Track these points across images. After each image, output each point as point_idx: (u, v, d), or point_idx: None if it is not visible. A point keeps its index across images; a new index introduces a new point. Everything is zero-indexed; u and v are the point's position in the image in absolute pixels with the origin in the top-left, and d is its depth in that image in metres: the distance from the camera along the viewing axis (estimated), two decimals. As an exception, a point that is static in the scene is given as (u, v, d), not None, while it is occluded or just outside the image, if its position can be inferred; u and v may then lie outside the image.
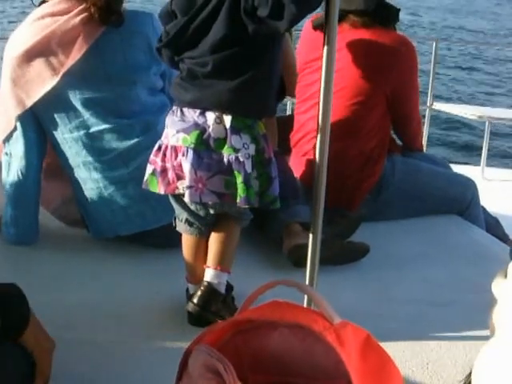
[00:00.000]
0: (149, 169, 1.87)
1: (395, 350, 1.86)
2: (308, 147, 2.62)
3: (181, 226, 1.95)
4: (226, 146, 1.76)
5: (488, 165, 4.73)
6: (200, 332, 1.28)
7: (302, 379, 1.25)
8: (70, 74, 2.21)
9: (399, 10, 2.71)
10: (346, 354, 1.12)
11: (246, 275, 1.97)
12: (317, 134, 1.68)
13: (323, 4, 1.64)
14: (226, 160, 1.76)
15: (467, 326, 2.02)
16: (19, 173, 2.32)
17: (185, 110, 1.80)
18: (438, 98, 5.50)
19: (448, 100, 8.99)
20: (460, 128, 9.15)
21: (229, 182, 1.78)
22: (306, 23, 2.74)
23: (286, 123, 2.77)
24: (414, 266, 2.43)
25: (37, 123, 2.32)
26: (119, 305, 2.03)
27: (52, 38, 2.21)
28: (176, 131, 1.80)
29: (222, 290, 1.91)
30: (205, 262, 1.94)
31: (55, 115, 2.28)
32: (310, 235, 1.74)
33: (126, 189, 2.29)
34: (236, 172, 1.76)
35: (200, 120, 1.77)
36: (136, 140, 2.27)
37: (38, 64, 2.22)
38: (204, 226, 1.93)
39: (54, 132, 2.31)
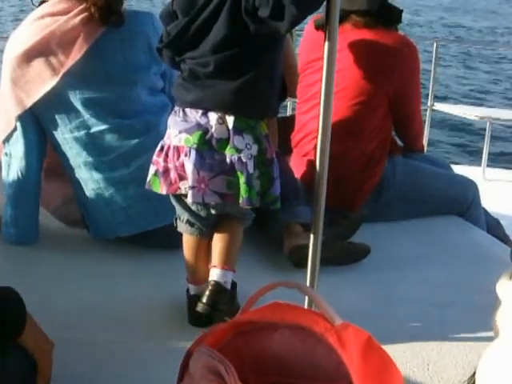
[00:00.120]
0: (151, 169, 1.87)
1: (396, 350, 1.86)
2: (309, 147, 2.62)
3: (182, 227, 1.95)
4: (229, 147, 1.75)
5: (489, 166, 4.73)
6: (201, 333, 1.28)
7: (303, 380, 1.24)
8: (70, 74, 2.21)
9: (402, 10, 2.70)
10: (347, 356, 1.12)
11: (247, 275, 1.97)
12: (317, 134, 1.68)
13: (325, 4, 1.64)
14: (228, 160, 1.76)
15: (468, 327, 2.02)
16: (19, 173, 2.32)
17: (187, 110, 1.80)
18: (438, 98, 5.50)
19: (449, 100, 8.98)
20: (461, 129, 9.15)
21: (231, 182, 1.77)
22: (309, 23, 2.74)
23: (287, 124, 2.77)
24: (414, 266, 2.43)
25: (37, 123, 2.32)
26: (119, 305, 2.03)
27: (52, 37, 2.20)
28: (178, 131, 1.79)
29: (229, 287, 1.91)
30: (206, 262, 1.95)
31: (55, 115, 2.27)
32: (311, 236, 1.74)
33: (127, 189, 2.28)
34: (238, 172, 1.75)
35: (202, 120, 1.77)
36: (137, 140, 2.27)
37: (38, 64, 2.21)
38: (205, 226, 1.92)
39: (55, 132, 2.30)
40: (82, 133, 2.27)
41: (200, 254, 1.95)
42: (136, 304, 2.04)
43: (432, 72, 4.71)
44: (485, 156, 4.67)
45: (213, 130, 1.76)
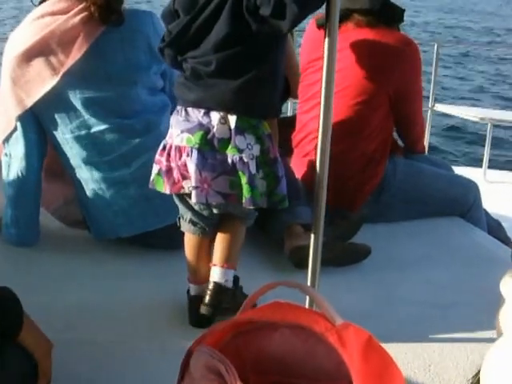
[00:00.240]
0: (155, 168, 1.87)
1: (397, 351, 1.85)
2: (310, 148, 2.61)
3: (185, 226, 1.95)
4: (230, 147, 1.75)
5: (490, 167, 4.73)
6: (201, 333, 1.27)
7: (304, 380, 1.24)
8: (70, 73, 2.21)
9: (404, 10, 2.70)
10: (347, 356, 1.12)
11: (248, 276, 1.97)
12: (318, 134, 1.67)
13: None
14: (230, 160, 1.75)
15: (469, 328, 2.01)
16: (19, 173, 2.32)
17: (189, 109, 1.80)
18: (439, 99, 5.50)
19: (450, 101, 8.98)
20: (462, 130, 9.15)
21: (233, 182, 1.77)
22: (310, 22, 2.73)
23: (288, 124, 2.76)
24: (415, 267, 2.42)
25: (37, 123, 2.31)
26: (120, 306, 2.03)
27: (52, 37, 2.20)
28: (180, 131, 1.79)
29: (230, 285, 1.91)
30: (207, 262, 1.95)
31: (56, 115, 2.27)
32: (312, 236, 1.74)
33: (128, 189, 2.28)
34: (240, 172, 1.75)
35: (204, 120, 1.77)
36: (138, 140, 2.27)
37: (38, 63, 2.21)
38: (208, 226, 1.92)
39: (55, 132, 2.30)
40: (83, 133, 2.26)
41: (202, 254, 1.95)
42: (136, 304, 2.04)
43: (433, 73, 4.70)
44: (486, 157, 4.66)
45: (214, 129, 1.75)
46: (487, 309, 2.02)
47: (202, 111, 1.77)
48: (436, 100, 4.84)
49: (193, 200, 1.81)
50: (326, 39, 1.61)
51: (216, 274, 1.89)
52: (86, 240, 2.43)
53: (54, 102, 2.25)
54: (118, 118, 2.27)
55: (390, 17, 2.65)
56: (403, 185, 2.76)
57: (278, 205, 1.81)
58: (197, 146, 1.76)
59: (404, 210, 2.80)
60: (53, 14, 2.22)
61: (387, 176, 2.72)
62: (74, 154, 2.30)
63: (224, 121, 1.75)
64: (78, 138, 2.27)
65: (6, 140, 2.33)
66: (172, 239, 2.19)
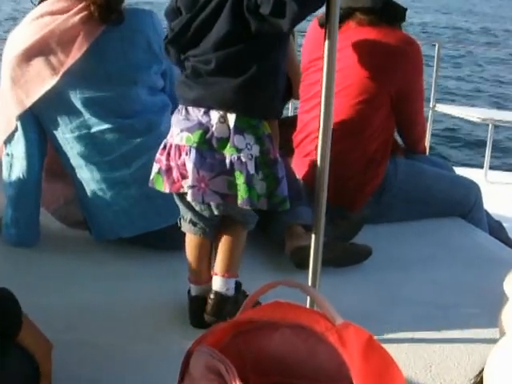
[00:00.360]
0: (155, 167, 1.86)
1: (398, 351, 1.85)
2: (311, 147, 2.61)
3: (185, 226, 1.95)
4: (229, 146, 1.74)
5: (491, 168, 4.72)
6: (201, 333, 1.27)
7: (304, 381, 1.24)
8: (70, 73, 2.20)
9: (406, 9, 2.70)
10: (348, 355, 1.11)
11: (249, 277, 1.97)
12: (318, 134, 1.67)
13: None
14: (228, 160, 1.75)
15: (470, 329, 2.01)
16: (21, 174, 2.31)
17: (189, 108, 1.79)
18: (440, 99, 5.49)
19: (450, 102, 8.98)
20: (463, 130, 9.14)
21: (232, 182, 1.76)
22: (312, 21, 2.73)
23: (289, 124, 2.76)
24: (416, 268, 2.42)
25: (37, 123, 2.31)
26: (120, 306, 2.03)
27: (51, 36, 2.19)
28: (180, 130, 1.79)
29: (231, 293, 1.91)
30: (208, 262, 1.95)
31: (56, 115, 2.27)
32: (313, 237, 1.74)
33: (129, 190, 2.28)
34: (238, 172, 1.74)
35: (204, 119, 1.76)
36: (138, 140, 2.27)
37: (38, 63, 2.21)
38: (208, 226, 1.92)
39: (55, 132, 2.30)
40: (83, 133, 2.26)
41: (202, 254, 1.95)
42: (137, 305, 2.04)
43: (434, 73, 4.70)
44: (487, 158, 4.66)
45: (213, 128, 1.75)
46: (488, 309, 2.02)
47: (202, 110, 1.76)
48: (438, 100, 4.85)
49: (188, 198, 1.81)
50: (326, 39, 1.61)
51: (217, 284, 1.90)
52: (87, 240, 2.43)
53: (54, 101, 2.25)
54: (118, 117, 2.26)
55: (392, 16, 2.65)
56: (404, 185, 2.76)
57: (278, 206, 1.80)
58: (195, 144, 1.75)
59: (405, 210, 2.79)
60: (52, 13, 2.22)
61: (388, 176, 2.72)
62: (75, 154, 2.29)
63: (223, 120, 1.74)
64: (78, 138, 2.27)
65: (8, 140, 2.32)
66: (173, 240, 2.19)
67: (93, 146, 2.27)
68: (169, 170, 1.83)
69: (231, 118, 1.73)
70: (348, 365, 1.10)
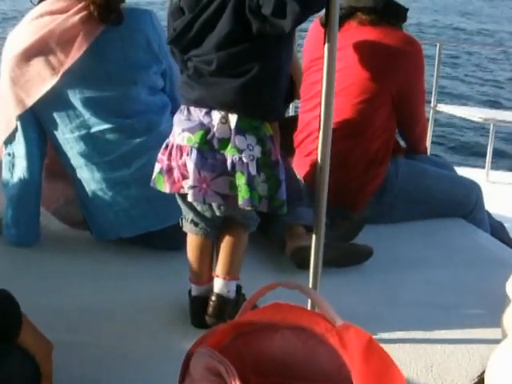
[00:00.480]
0: (156, 167, 1.86)
1: (399, 352, 1.85)
2: (312, 147, 2.60)
3: (187, 226, 1.95)
4: (230, 147, 1.74)
5: (493, 168, 4.72)
6: (202, 334, 1.27)
7: (305, 382, 1.24)
8: (69, 73, 2.20)
9: (407, 9, 2.70)
10: (348, 357, 1.11)
11: (250, 277, 1.96)
12: (319, 133, 1.67)
13: None
14: (229, 161, 1.74)
15: (471, 329, 2.01)
16: (21, 174, 2.31)
17: (191, 109, 1.79)
18: (441, 99, 5.49)
19: (452, 102, 8.97)
20: (464, 130, 9.14)
21: (233, 183, 1.76)
22: (314, 21, 2.73)
23: (290, 123, 2.76)
24: (417, 269, 2.41)
25: (37, 123, 2.31)
26: (121, 306, 2.02)
27: (51, 36, 2.19)
28: (182, 130, 1.78)
29: (232, 296, 1.91)
30: (209, 263, 1.95)
31: (56, 115, 2.27)
32: (313, 237, 1.73)
33: (129, 190, 2.28)
34: (239, 173, 1.74)
35: (205, 120, 1.76)
36: (138, 140, 2.26)
37: (38, 63, 2.21)
38: (210, 227, 1.92)
39: (55, 132, 2.30)
40: (83, 133, 2.26)
41: (204, 255, 1.95)
42: (137, 305, 2.03)
43: (435, 73, 4.70)
44: (488, 158, 4.65)
45: (215, 129, 1.74)
46: (490, 310, 2.02)
47: (204, 110, 1.76)
48: (439, 100, 4.85)
49: (189, 199, 1.81)
50: (327, 39, 1.60)
51: (218, 286, 1.90)
52: (87, 240, 2.43)
53: (54, 101, 2.25)
54: (118, 117, 2.26)
55: (394, 15, 2.65)
56: (405, 185, 2.76)
57: (277, 210, 1.79)
58: (196, 145, 1.75)
59: (406, 210, 2.79)
60: (52, 13, 2.22)
61: (389, 177, 2.71)
62: (75, 154, 2.29)
63: (225, 120, 1.74)
64: (78, 138, 2.27)
65: (9, 140, 2.32)
66: (174, 240, 2.19)
67: (93, 146, 2.27)
68: (170, 170, 1.83)
69: (232, 118, 1.73)
70: (348, 366, 1.10)
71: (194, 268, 1.95)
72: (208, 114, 1.76)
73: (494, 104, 10.43)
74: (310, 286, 1.74)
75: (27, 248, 2.37)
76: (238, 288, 1.95)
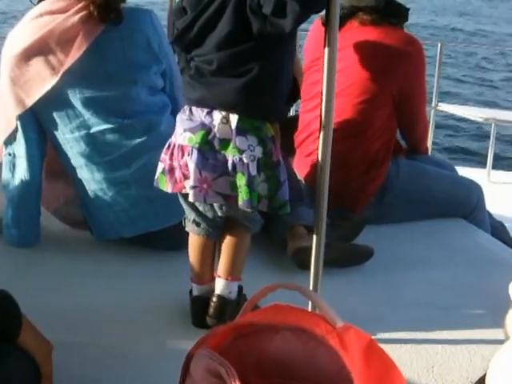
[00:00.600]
0: (159, 167, 1.86)
1: (400, 352, 1.85)
2: (313, 147, 2.59)
3: (189, 226, 1.95)
4: (231, 147, 1.74)
5: (494, 168, 4.71)
6: (203, 334, 1.27)
7: (305, 383, 1.23)
8: (69, 73, 2.19)
9: (409, 9, 2.70)
10: (348, 359, 1.11)
11: (251, 277, 1.96)
12: (319, 133, 1.67)
13: None
14: (230, 161, 1.74)
15: (472, 330, 2.01)
16: (22, 174, 2.31)
17: (193, 109, 1.79)
18: (442, 99, 5.49)
19: (453, 101, 8.97)
20: (465, 130, 9.13)
21: (234, 183, 1.76)
22: (315, 21, 2.72)
23: (290, 123, 2.75)
24: (418, 269, 2.41)
25: (37, 123, 2.30)
26: (122, 307, 2.02)
27: (51, 36, 2.19)
28: (183, 130, 1.78)
29: (234, 297, 1.91)
30: (210, 263, 1.95)
31: (55, 115, 2.26)
32: (314, 237, 1.73)
33: (129, 190, 2.28)
34: (240, 173, 1.74)
35: (207, 120, 1.76)
36: (138, 140, 2.26)
37: (37, 63, 2.20)
38: (211, 227, 1.92)
39: (55, 132, 2.29)
40: (83, 133, 2.25)
41: (205, 255, 1.94)
42: (138, 305, 2.03)
43: (436, 73, 4.70)
44: (490, 158, 4.65)
45: (216, 129, 1.74)
46: (490, 310, 2.02)
47: (205, 111, 1.76)
48: (440, 99, 4.84)
49: (190, 199, 1.81)
50: (327, 38, 1.60)
51: (220, 287, 1.90)
52: (88, 241, 2.42)
53: (54, 101, 2.24)
54: (118, 117, 2.26)
55: (395, 15, 2.65)
56: (406, 186, 2.75)
57: (278, 210, 1.79)
58: (197, 145, 1.75)
59: (407, 211, 2.79)
60: (52, 12, 2.21)
61: (390, 177, 2.71)
62: (75, 154, 2.29)
63: (226, 120, 1.74)
64: (78, 138, 2.26)
65: (9, 140, 2.31)
66: (175, 240, 2.19)
67: (93, 146, 2.26)
68: (171, 169, 1.83)
69: (233, 118, 1.73)
70: (349, 368, 1.10)
71: (196, 268, 1.95)
72: (209, 114, 1.75)
73: (495, 104, 10.42)
74: (311, 286, 1.73)
75: (28, 248, 2.37)
76: (240, 288, 1.95)
